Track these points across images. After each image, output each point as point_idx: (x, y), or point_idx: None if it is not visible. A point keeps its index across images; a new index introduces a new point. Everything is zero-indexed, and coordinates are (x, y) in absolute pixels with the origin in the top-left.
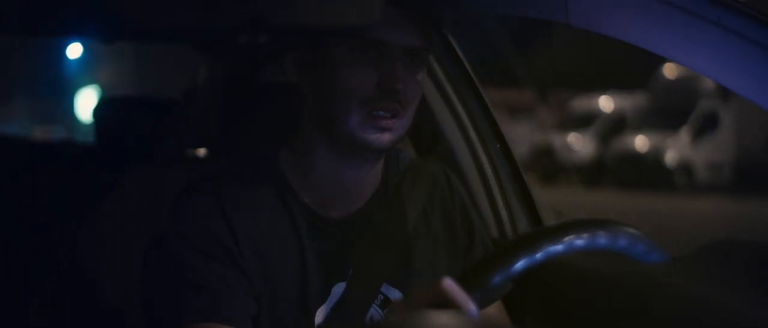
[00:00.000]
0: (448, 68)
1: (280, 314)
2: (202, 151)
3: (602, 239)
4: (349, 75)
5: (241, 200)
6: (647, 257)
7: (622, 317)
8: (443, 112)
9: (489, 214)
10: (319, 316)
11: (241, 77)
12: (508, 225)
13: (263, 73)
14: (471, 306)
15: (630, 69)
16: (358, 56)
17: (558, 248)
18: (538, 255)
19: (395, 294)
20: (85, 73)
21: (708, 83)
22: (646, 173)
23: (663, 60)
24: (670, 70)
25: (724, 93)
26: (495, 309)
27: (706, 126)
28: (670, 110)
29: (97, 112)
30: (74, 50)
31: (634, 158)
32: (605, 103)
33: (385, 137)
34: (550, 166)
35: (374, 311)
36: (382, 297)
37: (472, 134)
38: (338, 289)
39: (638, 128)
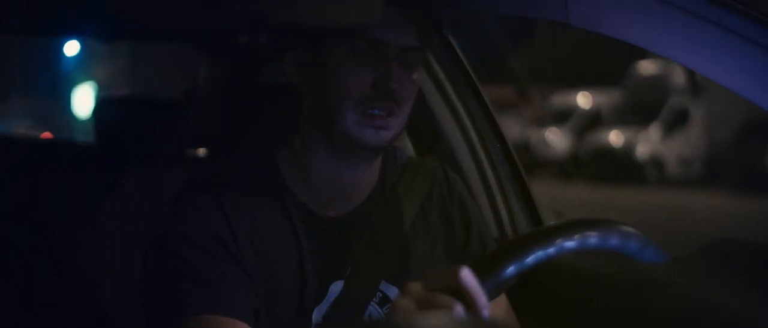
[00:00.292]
0: (448, 68)
1: (278, 312)
2: (202, 151)
3: (614, 239)
4: (346, 75)
5: (240, 200)
6: (648, 257)
7: (622, 317)
8: (443, 112)
9: (489, 214)
10: (318, 314)
11: (241, 77)
12: (508, 225)
13: (263, 73)
14: (483, 298)
15: (607, 66)
16: (354, 56)
17: (571, 243)
18: (552, 249)
19: (393, 292)
20: (81, 71)
21: (679, 80)
22: (619, 167)
23: (637, 57)
24: (643, 68)
25: (694, 89)
26: (503, 311)
27: (677, 122)
28: (642, 106)
29: (97, 112)
30: (71, 48)
31: (608, 153)
32: (582, 99)
33: (382, 136)
34: (527, 160)
35: (372, 309)
36: (380, 295)
37: (472, 134)
38: (336, 287)
39: (613, 124)
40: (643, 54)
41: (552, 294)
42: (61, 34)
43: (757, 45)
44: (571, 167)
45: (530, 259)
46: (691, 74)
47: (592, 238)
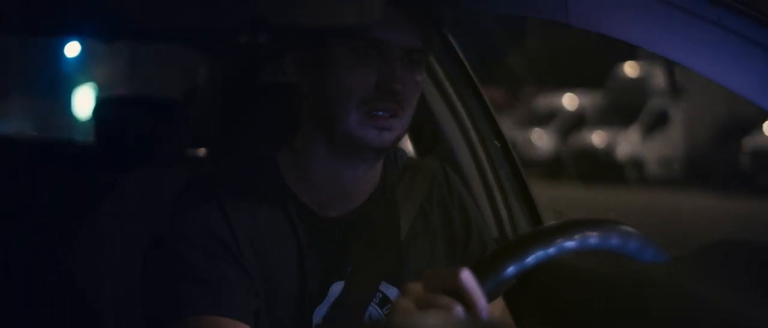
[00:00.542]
0: (448, 68)
1: (278, 313)
2: (202, 151)
3: (615, 239)
4: (349, 75)
5: (240, 200)
6: (648, 257)
7: (621, 317)
8: (443, 112)
9: (489, 214)
10: (318, 315)
11: (241, 77)
12: (508, 225)
13: (263, 73)
14: (482, 300)
15: (591, 69)
16: (358, 56)
17: (571, 244)
18: (552, 250)
19: (393, 292)
20: (81, 71)
21: (659, 82)
22: (600, 167)
23: (620, 59)
24: (625, 70)
25: (674, 92)
26: (499, 312)
27: (657, 123)
28: (623, 108)
29: (97, 112)
30: (72, 49)
31: (590, 153)
32: (566, 100)
33: (385, 136)
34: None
35: (373, 310)
36: (380, 295)
37: (472, 134)
38: (337, 288)
39: (596, 125)
40: (626, 57)
41: (552, 294)
42: (61, 34)
43: (757, 45)
44: (555, 167)
45: (530, 259)
46: (671, 77)
47: (593, 238)
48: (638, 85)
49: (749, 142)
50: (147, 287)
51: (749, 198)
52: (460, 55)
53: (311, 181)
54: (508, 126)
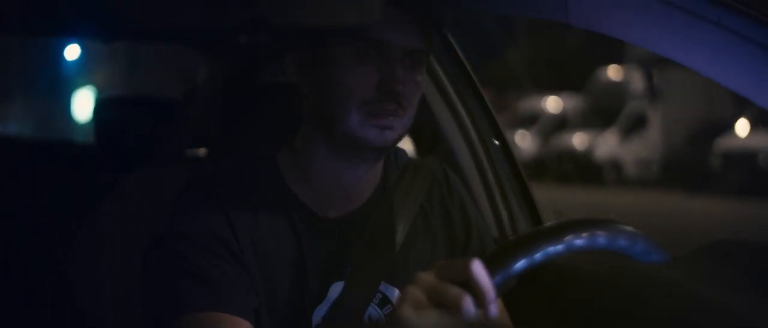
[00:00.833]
0: (448, 68)
1: (278, 313)
2: (202, 151)
3: (622, 239)
4: (349, 75)
5: (240, 200)
6: (648, 257)
7: (621, 317)
8: (443, 112)
9: (489, 214)
10: (318, 315)
11: (241, 77)
12: (508, 225)
13: (263, 73)
14: (492, 292)
15: (575, 72)
16: (358, 57)
17: (580, 242)
18: (561, 247)
19: (393, 293)
20: (81, 72)
21: (637, 86)
22: (580, 168)
23: (600, 63)
24: (606, 74)
25: (652, 95)
26: (499, 311)
27: (635, 125)
28: (604, 111)
29: (97, 112)
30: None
31: (570, 155)
32: (550, 103)
33: (387, 136)
34: None
35: (372, 310)
36: (380, 296)
37: (472, 134)
38: (337, 288)
39: (576, 127)
40: (609, 60)
41: (552, 294)
42: (61, 34)
43: (757, 45)
44: (537, 168)
45: (539, 255)
46: (649, 80)
47: (601, 237)
48: (618, 89)
49: (721, 144)
50: (147, 287)
51: (720, 198)
52: (460, 55)
53: (311, 181)
54: None
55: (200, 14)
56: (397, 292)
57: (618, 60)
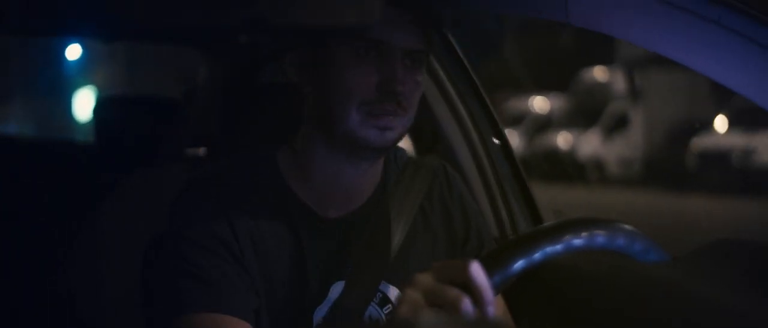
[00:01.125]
0: (449, 68)
1: (278, 313)
2: (202, 151)
3: (621, 238)
4: (350, 76)
5: (240, 200)
6: (648, 257)
7: (621, 317)
8: (443, 112)
9: (489, 214)
10: (318, 315)
11: (241, 77)
12: (508, 225)
13: (263, 73)
14: (490, 294)
15: (563, 73)
16: (359, 57)
17: (579, 241)
18: (559, 246)
19: (393, 292)
20: (81, 72)
21: (619, 87)
22: (564, 167)
23: (584, 65)
24: (590, 74)
25: (634, 95)
26: (501, 311)
27: (617, 125)
28: (588, 111)
29: (97, 112)
30: (73, 51)
31: (554, 154)
32: (536, 103)
33: (387, 136)
34: None
35: (373, 310)
36: (380, 295)
37: (473, 134)
38: (337, 288)
39: (561, 127)
40: (595, 62)
41: (552, 293)
42: (61, 34)
43: (757, 45)
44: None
45: (538, 255)
46: (631, 81)
47: (600, 237)
48: (601, 89)
49: (698, 143)
50: (147, 287)
51: (697, 196)
52: (460, 55)
53: (311, 181)
54: None
55: (200, 14)
56: (397, 291)
57: (608, 61)
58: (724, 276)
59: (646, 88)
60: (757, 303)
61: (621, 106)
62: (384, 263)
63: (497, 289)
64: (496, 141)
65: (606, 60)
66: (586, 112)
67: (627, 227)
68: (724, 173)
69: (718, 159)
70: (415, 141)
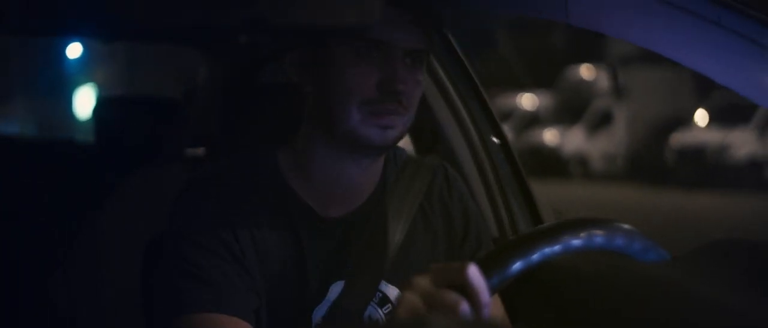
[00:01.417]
0: (449, 68)
1: (278, 312)
2: (202, 151)
3: (619, 238)
4: (350, 75)
5: (240, 200)
6: (648, 257)
7: (621, 317)
8: (443, 112)
9: (489, 214)
10: (318, 314)
11: (241, 77)
12: (508, 225)
13: (263, 73)
14: (487, 296)
15: (551, 71)
16: (359, 56)
17: (577, 242)
18: (558, 247)
19: (393, 292)
20: (81, 71)
21: (603, 84)
22: (549, 162)
23: (569, 63)
24: (575, 72)
25: (618, 93)
26: (500, 313)
27: (601, 122)
28: (573, 108)
29: (97, 112)
30: (74, 50)
31: (540, 149)
32: (524, 100)
33: (388, 134)
34: None
35: (373, 310)
36: (380, 295)
37: (473, 133)
38: (337, 287)
39: (548, 123)
40: (583, 60)
41: (551, 293)
42: (61, 34)
43: (757, 45)
44: None
45: (536, 256)
46: (614, 79)
47: (598, 237)
48: (586, 87)
49: (676, 139)
50: (147, 287)
51: (675, 191)
52: (460, 54)
53: (312, 181)
54: None
55: (200, 14)
56: (396, 291)
57: (595, 59)
58: (724, 275)
59: (630, 85)
60: (757, 302)
61: (605, 103)
62: (384, 262)
63: (494, 290)
64: (496, 141)
65: (593, 58)
66: (571, 109)
67: (625, 226)
68: (700, 168)
69: (695, 155)
70: (415, 141)
